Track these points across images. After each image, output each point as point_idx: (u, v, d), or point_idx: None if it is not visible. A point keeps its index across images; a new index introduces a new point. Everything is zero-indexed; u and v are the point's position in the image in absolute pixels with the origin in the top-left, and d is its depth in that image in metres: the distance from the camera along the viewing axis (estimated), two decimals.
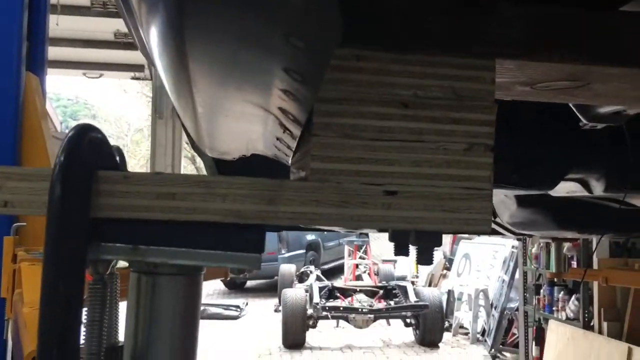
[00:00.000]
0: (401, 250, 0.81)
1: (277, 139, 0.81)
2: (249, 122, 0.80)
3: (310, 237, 14.84)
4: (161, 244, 0.63)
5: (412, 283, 11.12)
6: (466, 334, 9.85)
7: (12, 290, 2.28)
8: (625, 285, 4.74)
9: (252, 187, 0.63)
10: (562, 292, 6.14)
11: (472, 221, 0.65)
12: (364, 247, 12.32)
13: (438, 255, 12.54)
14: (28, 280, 2.08)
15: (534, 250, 6.63)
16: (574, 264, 5.86)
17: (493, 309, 9.12)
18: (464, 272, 10.89)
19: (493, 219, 3.47)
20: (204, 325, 8.83)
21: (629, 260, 5.32)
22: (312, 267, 12.33)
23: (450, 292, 10.40)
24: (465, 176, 0.65)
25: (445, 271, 11.74)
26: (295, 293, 9.32)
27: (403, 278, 11.84)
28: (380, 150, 0.65)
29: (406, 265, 13.99)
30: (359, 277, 11.71)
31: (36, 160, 3.15)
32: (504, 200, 3.13)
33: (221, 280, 14.92)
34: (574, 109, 1.51)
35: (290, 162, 0.89)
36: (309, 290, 9.54)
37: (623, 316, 5.54)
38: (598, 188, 2.26)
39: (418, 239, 0.69)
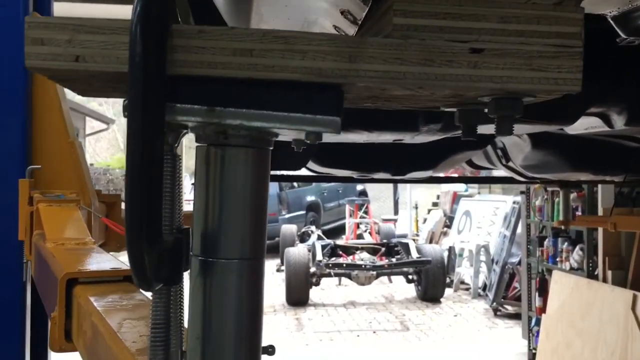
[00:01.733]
0: (469, 132, 0.78)
1: (342, 12, 0.77)
2: None
3: (311, 197, 14.89)
4: (238, 105, 0.60)
5: (413, 241, 11.21)
6: (467, 289, 9.98)
7: (30, 232, 2.26)
8: (633, 230, 4.77)
9: (333, 44, 0.60)
10: (566, 243, 6.19)
11: (561, 80, 0.62)
12: (365, 206, 12.36)
13: (438, 213, 12.61)
14: (48, 221, 2.06)
15: (537, 202, 6.66)
16: (579, 214, 5.89)
17: (494, 264, 9.21)
18: (465, 229, 10.97)
19: (505, 162, 3.45)
20: None
21: (635, 209, 5.35)
22: (313, 227, 12.39)
23: (451, 249, 10.49)
24: (555, 33, 0.62)
25: (445, 229, 11.82)
26: (298, 251, 9.38)
27: (404, 236, 11.91)
28: (466, 5, 0.61)
29: (406, 224, 14.09)
30: (360, 236, 11.78)
31: (49, 129, 2.89)
32: (517, 142, 3.11)
33: None
34: (612, 22, 1.47)
35: None
36: (312, 248, 9.61)
37: (627, 264, 5.59)
38: (619, 122, 2.22)
39: (497, 107, 0.66)
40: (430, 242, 11.91)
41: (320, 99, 0.61)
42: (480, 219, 10.61)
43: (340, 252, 9.82)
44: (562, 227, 5.27)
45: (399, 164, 3.04)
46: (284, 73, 0.60)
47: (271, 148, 0.69)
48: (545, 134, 2.80)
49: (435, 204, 14.14)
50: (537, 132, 2.83)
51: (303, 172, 3.41)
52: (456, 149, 3.00)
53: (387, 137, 2.31)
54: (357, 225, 12.21)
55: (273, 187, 13.97)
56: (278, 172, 3.65)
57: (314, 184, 14.80)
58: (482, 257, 9.60)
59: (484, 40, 0.62)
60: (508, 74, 0.62)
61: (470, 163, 3.91)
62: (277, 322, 8.50)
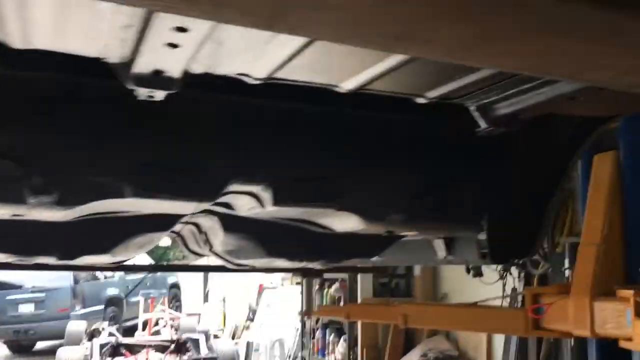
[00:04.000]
0: None
1: None
2: None
3: (112, 291, 13.74)
4: None
5: (216, 336, 10.67)
6: None
7: None
8: (366, 320, 4.80)
9: None
10: (332, 334, 6.13)
11: None
12: (161, 299, 11.60)
13: (244, 306, 12.23)
14: None
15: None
16: (342, 304, 5.89)
17: (288, 358, 8.94)
18: (266, 322, 10.66)
19: (211, 248, 3.24)
20: None
21: (390, 300, 5.45)
22: (105, 324, 11.28)
23: (249, 344, 10.08)
24: None
25: (248, 322, 11.42)
26: (71, 352, 8.37)
27: (204, 332, 11.25)
28: None
29: (215, 317, 13.48)
30: (157, 333, 10.91)
31: None
32: (212, 226, 2.92)
33: (4, 342, 13.20)
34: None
35: None
36: (90, 348, 8.64)
37: (384, 355, 5.62)
38: (269, 202, 2.10)
39: None
40: (233, 336, 11.42)
41: None
42: (281, 311, 10.40)
43: (124, 351, 8.94)
44: (305, 317, 5.19)
45: (67, 246, 2.67)
46: None
47: None
48: (234, 217, 2.64)
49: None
50: (225, 215, 2.66)
51: None
52: (134, 230, 2.71)
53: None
54: (156, 321, 11.36)
55: (66, 280, 12.74)
56: None
57: (116, 276, 13.78)
58: (277, 352, 9.30)
59: None
60: None
61: (188, 248, 3.67)
62: None
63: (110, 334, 10.51)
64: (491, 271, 4.67)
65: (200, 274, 14.59)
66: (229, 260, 3.26)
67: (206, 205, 2.22)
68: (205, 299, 14.54)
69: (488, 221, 2.44)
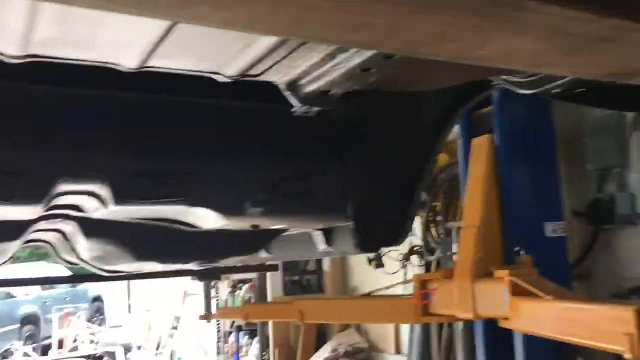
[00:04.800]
0: None
1: None
2: None
3: (28, 309, 13.02)
4: None
5: (139, 347, 10.30)
6: None
7: None
8: (264, 320, 4.69)
9: None
10: (246, 337, 5.99)
11: None
12: (77, 314, 11.10)
13: (168, 315, 11.87)
14: None
15: (224, 296, 6.44)
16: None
17: None
18: (190, 329, 10.37)
19: (79, 256, 3.04)
20: None
21: (303, 297, 5.36)
22: (20, 344, 10.69)
23: (172, 353, 9.77)
24: None
25: (172, 331, 11.07)
26: None
27: (126, 345, 10.83)
28: None
29: (141, 329, 13.01)
30: (75, 349, 10.42)
31: None
32: (73, 231, 2.71)
33: None
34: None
35: None
36: None
37: (297, 354, 5.53)
38: (110, 201, 1.93)
39: None
40: (158, 347, 11.05)
41: None
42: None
43: None
44: (207, 321, 5.04)
45: None
46: None
47: None
48: (94, 222, 2.44)
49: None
50: (83, 220, 2.47)
51: None
52: None
53: None
54: (75, 337, 10.84)
55: None
56: None
57: (34, 293, 13.12)
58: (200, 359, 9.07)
59: None
60: None
61: (60, 257, 3.44)
62: None
63: (26, 354, 9.97)
64: (393, 261, 4.67)
65: (124, 285, 14.06)
66: (98, 267, 3.07)
67: (40, 209, 2.03)
68: (129, 310, 14.03)
69: (353, 209, 2.37)
